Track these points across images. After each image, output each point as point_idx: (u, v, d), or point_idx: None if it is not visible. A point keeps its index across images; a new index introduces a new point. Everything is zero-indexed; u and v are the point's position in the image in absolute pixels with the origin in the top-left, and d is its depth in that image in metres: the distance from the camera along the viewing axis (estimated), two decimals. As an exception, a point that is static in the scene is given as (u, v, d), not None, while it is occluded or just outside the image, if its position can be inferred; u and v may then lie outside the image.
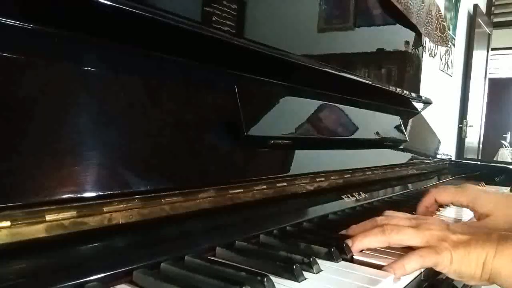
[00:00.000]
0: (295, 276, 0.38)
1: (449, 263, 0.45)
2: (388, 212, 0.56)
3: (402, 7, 1.13)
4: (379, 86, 0.98)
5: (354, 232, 0.50)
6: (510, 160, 4.89)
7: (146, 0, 0.49)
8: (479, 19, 3.46)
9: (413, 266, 0.44)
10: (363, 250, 0.48)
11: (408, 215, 0.55)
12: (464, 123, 3.49)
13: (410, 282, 0.44)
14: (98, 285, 0.32)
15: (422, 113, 1.40)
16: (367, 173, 0.84)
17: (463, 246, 0.45)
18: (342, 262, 0.44)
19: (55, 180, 0.35)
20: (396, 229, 0.47)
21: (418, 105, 1.33)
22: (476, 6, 3.40)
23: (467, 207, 0.61)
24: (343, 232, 0.53)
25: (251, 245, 0.46)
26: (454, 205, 0.54)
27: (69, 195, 0.35)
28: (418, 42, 1.35)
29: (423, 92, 1.44)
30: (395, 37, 1.22)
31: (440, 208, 0.74)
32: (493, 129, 5.17)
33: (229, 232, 0.47)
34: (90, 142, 0.39)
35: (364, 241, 0.47)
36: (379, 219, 0.51)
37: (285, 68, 0.70)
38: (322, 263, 0.42)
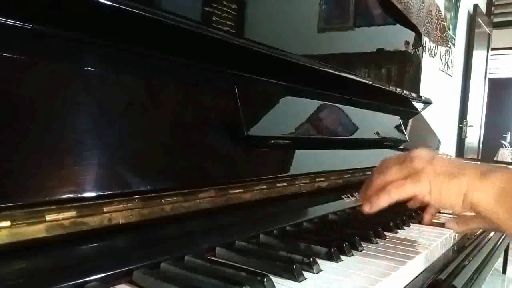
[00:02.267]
0: (295, 276, 0.38)
1: (427, 192, 0.46)
2: (380, 169, 0.53)
3: (402, 7, 1.13)
4: (379, 86, 0.98)
5: (363, 197, 0.52)
6: (510, 160, 4.89)
7: (146, 0, 0.49)
8: (479, 19, 3.46)
9: (387, 199, 0.47)
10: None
11: (396, 165, 0.52)
12: (464, 123, 3.49)
13: (410, 282, 0.44)
14: (98, 285, 0.32)
15: (422, 113, 1.40)
16: (367, 173, 0.84)
17: (444, 177, 0.46)
18: (342, 262, 0.44)
19: (55, 180, 0.35)
20: (396, 186, 0.48)
21: (418, 105, 1.33)
22: (476, 6, 3.40)
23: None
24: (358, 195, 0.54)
25: (251, 245, 0.46)
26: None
27: (69, 195, 0.35)
28: (418, 42, 1.35)
29: (423, 92, 1.44)
30: (395, 37, 1.22)
31: None
32: (493, 129, 5.16)
33: (229, 232, 0.47)
34: (90, 142, 0.39)
35: (378, 202, 0.48)
36: (378, 183, 0.51)
37: (285, 68, 0.70)
38: (322, 263, 0.42)
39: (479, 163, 0.52)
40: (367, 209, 0.49)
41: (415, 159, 0.49)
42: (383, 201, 0.48)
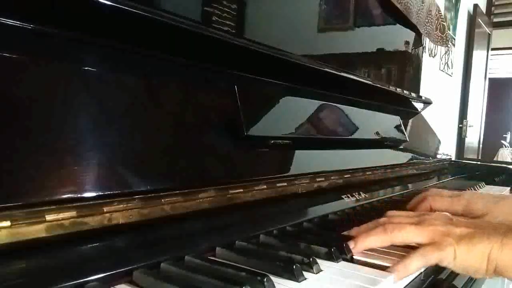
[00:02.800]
0: (295, 276, 0.38)
1: (453, 259, 0.44)
2: (390, 212, 0.55)
3: (402, 7, 1.13)
4: (379, 86, 0.98)
5: (356, 233, 0.49)
6: (510, 160, 4.89)
7: (146, 0, 0.49)
8: (479, 19, 3.46)
9: (416, 265, 0.43)
10: (366, 250, 0.47)
11: (411, 213, 0.55)
12: (464, 123, 3.49)
13: (410, 282, 0.44)
14: (98, 285, 0.32)
15: (422, 113, 1.40)
16: (367, 173, 0.84)
17: (467, 240, 0.44)
18: (342, 262, 0.44)
19: (55, 180, 0.35)
20: (398, 227, 0.47)
21: (418, 105, 1.33)
22: (476, 6, 3.39)
23: (462, 214, 0.60)
24: (345, 233, 0.52)
25: (251, 245, 0.46)
26: (449, 212, 0.53)
27: (69, 195, 0.35)
28: (418, 42, 1.35)
29: (423, 92, 1.44)
30: (395, 37, 1.22)
31: None
32: (493, 129, 5.16)
33: (229, 232, 0.46)
34: (90, 142, 0.39)
35: (366, 241, 0.46)
36: (382, 220, 0.51)
37: (285, 68, 0.70)
38: (322, 263, 0.42)
39: (497, 223, 0.51)
40: (397, 276, 0.42)
41: (434, 222, 0.47)
42: (414, 268, 0.44)
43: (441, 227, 0.46)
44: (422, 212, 0.57)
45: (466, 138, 3.52)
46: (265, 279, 0.34)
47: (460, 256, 0.44)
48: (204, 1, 0.58)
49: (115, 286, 0.34)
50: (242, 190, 0.52)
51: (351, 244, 0.46)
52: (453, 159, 1.55)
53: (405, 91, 1.12)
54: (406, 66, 1.30)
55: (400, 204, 0.66)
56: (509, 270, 0.43)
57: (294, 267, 0.38)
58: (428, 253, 0.44)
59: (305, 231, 0.56)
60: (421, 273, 0.47)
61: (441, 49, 2.70)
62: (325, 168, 0.71)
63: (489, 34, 3.92)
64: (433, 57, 2.61)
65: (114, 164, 0.40)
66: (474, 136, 3.82)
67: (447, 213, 0.50)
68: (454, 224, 0.47)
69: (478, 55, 3.61)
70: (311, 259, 0.40)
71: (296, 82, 0.73)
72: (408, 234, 0.46)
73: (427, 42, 1.97)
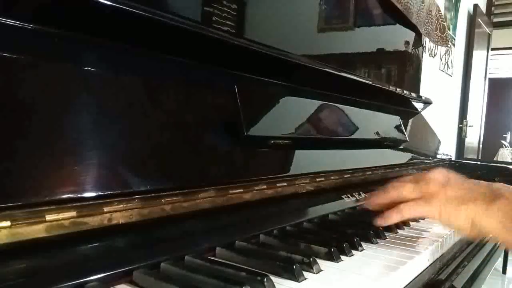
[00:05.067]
0: (295, 276, 0.38)
1: (438, 215, 0.50)
2: (395, 184, 0.57)
3: (402, 7, 1.13)
4: (379, 86, 0.98)
5: (374, 204, 0.56)
6: (510, 160, 4.89)
7: (146, 0, 0.49)
8: (479, 19, 3.46)
9: (399, 217, 0.52)
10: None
11: (412, 183, 0.56)
12: (464, 123, 3.49)
13: (410, 282, 0.44)
14: (98, 285, 0.32)
15: (422, 113, 1.40)
16: (367, 173, 0.84)
17: (453, 202, 0.50)
18: (342, 262, 0.44)
19: (55, 180, 0.35)
20: (406, 209, 0.52)
21: (418, 105, 1.33)
22: (476, 6, 3.39)
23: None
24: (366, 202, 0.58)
25: (251, 245, 0.46)
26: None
27: (69, 195, 0.35)
28: (418, 42, 1.35)
29: (423, 92, 1.44)
30: (395, 37, 1.22)
31: None
32: (493, 129, 5.16)
33: (229, 232, 0.46)
34: (90, 142, 0.39)
35: (389, 221, 0.53)
36: (391, 191, 0.55)
37: (285, 68, 0.70)
38: (322, 263, 0.42)
39: (492, 184, 0.56)
40: (380, 222, 0.53)
41: (430, 182, 0.53)
42: (395, 218, 0.52)
43: (435, 186, 0.52)
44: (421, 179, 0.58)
45: (466, 138, 3.51)
46: (265, 279, 0.34)
47: (445, 214, 0.50)
48: (204, 1, 0.58)
49: (115, 286, 0.34)
50: (242, 190, 0.52)
51: (380, 221, 0.53)
52: (453, 159, 1.55)
53: (405, 91, 1.12)
54: (406, 66, 1.31)
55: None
56: (492, 232, 0.49)
57: (294, 267, 0.38)
58: (415, 205, 0.51)
59: (305, 231, 0.56)
60: (421, 273, 0.47)
61: (441, 49, 2.70)
62: (325, 168, 0.71)
63: (489, 34, 3.92)
64: (433, 57, 2.61)
65: (114, 164, 0.40)
66: (474, 136, 3.82)
67: (444, 176, 0.54)
68: (446, 187, 0.52)
69: (478, 55, 3.61)
70: (311, 259, 0.40)
71: (296, 82, 0.73)
72: (418, 209, 0.52)
73: (427, 42, 1.97)
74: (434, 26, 1.45)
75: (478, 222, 0.48)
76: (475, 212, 0.48)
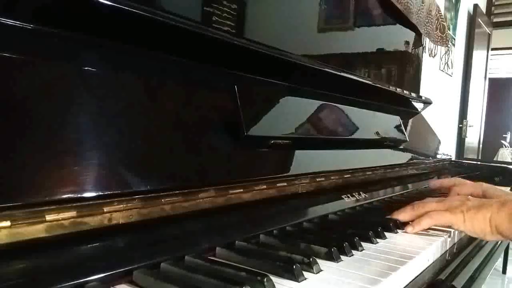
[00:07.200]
0: (295, 276, 0.38)
1: (462, 222, 0.57)
2: (426, 200, 0.65)
3: (402, 7, 1.13)
4: (379, 86, 0.98)
5: (403, 219, 0.62)
6: (510, 160, 4.89)
7: (146, 0, 0.49)
8: (479, 19, 3.46)
9: (429, 222, 0.59)
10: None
11: (436, 201, 0.64)
12: (464, 123, 3.49)
13: (410, 282, 0.44)
14: (98, 285, 0.32)
15: (422, 113, 1.40)
16: (367, 173, 0.84)
17: (475, 209, 0.57)
18: (342, 262, 0.44)
19: (55, 180, 0.35)
20: (435, 215, 0.59)
21: (418, 105, 1.33)
22: (476, 6, 3.40)
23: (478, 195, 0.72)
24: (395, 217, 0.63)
25: (251, 245, 0.46)
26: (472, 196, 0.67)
27: (69, 195, 0.35)
28: (418, 42, 1.35)
29: (423, 92, 1.44)
30: (395, 37, 1.22)
31: None
32: (493, 129, 5.16)
33: (229, 232, 0.46)
34: (90, 142, 0.39)
35: (418, 227, 0.60)
36: (419, 207, 0.62)
37: (285, 68, 0.70)
38: (322, 263, 0.42)
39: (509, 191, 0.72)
40: (410, 230, 0.59)
41: (453, 199, 0.62)
42: (425, 224, 0.59)
43: (457, 201, 0.61)
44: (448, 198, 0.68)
45: (466, 138, 3.52)
46: (265, 279, 0.34)
47: (468, 220, 0.57)
48: (204, 1, 0.58)
49: (115, 286, 0.34)
50: (242, 190, 0.52)
51: (410, 228, 0.59)
52: (453, 159, 1.55)
53: (405, 91, 1.12)
54: (406, 66, 1.31)
55: (400, 204, 0.66)
56: (503, 227, 0.55)
57: (294, 267, 0.38)
58: (441, 214, 0.59)
59: (305, 231, 0.56)
60: (421, 273, 0.47)
61: (441, 49, 2.70)
62: (325, 168, 0.71)
63: (489, 34, 3.92)
64: (433, 57, 2.61)
65: (114, 164, 0.40)
66: (474, 136, 3.82)
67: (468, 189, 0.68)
68: (467, 199, 0.61)
69: (478, 55, 3.61)
70: (311, 259, 0.40)
71: (296, 82, 0.73)
72: (446, 217, 0.59)
73: (427, 42, 1.97)
74: (434, 26, 1.45)
75: (493, 223, 0.55)
76: (491, 214, 0.56)
